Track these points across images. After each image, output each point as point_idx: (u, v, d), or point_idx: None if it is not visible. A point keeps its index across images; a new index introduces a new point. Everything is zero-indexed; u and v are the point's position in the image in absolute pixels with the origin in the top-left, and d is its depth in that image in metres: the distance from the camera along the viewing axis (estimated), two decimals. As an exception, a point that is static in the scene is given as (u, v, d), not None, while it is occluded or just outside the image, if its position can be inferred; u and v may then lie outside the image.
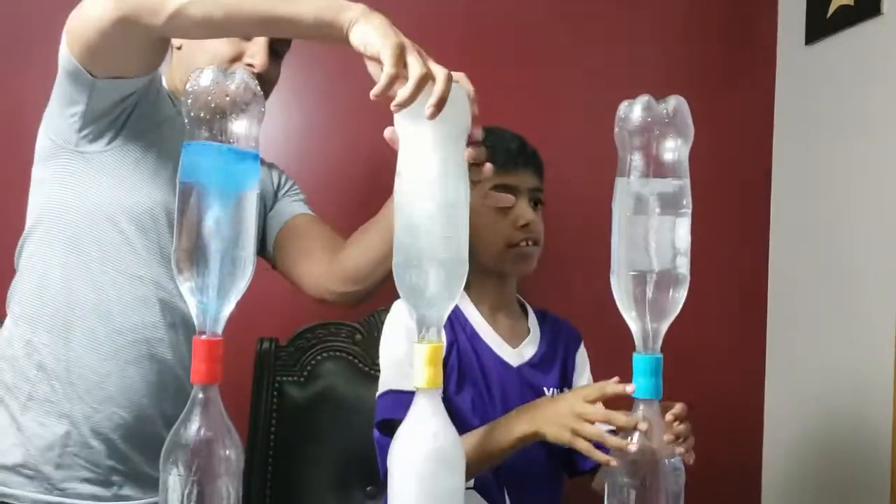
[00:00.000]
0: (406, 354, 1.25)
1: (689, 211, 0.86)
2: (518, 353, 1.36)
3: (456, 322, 1.34)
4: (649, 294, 0.85)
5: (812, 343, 2.14)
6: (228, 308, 0.82)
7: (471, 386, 1.31)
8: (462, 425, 1.19)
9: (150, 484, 1.25)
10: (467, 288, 1.32)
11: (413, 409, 0.87)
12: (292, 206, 1.52)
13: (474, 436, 1.20)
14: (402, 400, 1.14)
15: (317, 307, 1.53)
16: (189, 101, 0.81)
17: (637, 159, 0.85)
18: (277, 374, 1.60)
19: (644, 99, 0.85)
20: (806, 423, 2.16)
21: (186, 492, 0.78)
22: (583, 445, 1.09)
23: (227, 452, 0.80)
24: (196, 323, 0.81)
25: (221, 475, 0.80)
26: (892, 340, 1.83)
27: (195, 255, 0.80)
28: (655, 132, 0.84)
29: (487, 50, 2.11)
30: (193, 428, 0.79)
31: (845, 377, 2.02)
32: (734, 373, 2.29)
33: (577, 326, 1.49)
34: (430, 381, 0.86)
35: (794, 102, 2.24)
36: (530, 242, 1.32)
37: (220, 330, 0.82)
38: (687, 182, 0.86)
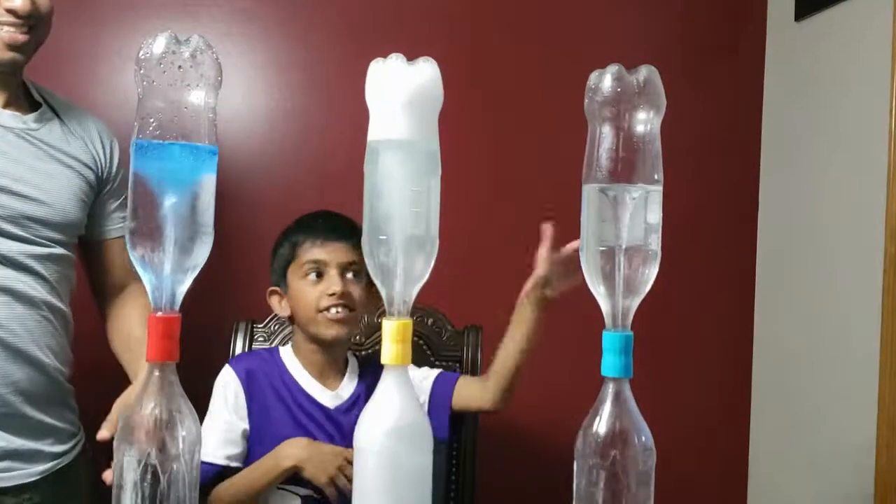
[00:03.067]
0: (221, 423, 1.43)
1: (661, 185, 0.83)
2: (336, 395, 1.49)
3: (277, 373, 1.49)
4: (619, 270, 0.82)
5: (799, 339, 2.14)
6: (185, 284, 0.80)
7: (279, 424, 1.44)
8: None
9: None
10: (297, 355, 1.50)
11: (380, 386, 0.84)
12: (114, 220, 1.55)
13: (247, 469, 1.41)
14: (206, 470, 1.37)
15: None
16: (141, 70, 0.78)
17: (607, 131, 0.82)
18: (254, 354, 1.58)
19: (614, 68, 0.82)
20: (792, 428, 2.16)
21: (141, 473, 0.76)
22: (330, 492, 1.35)
23: (185, 433, 0.78)
24: (151, 300, 0.79)
25: (178, 456, 0.78)
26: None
27: (148, 231, 0.77)
28: (626, 103, 0.81)
29: (477, 19, 2.08)
30: (148, 408, 0.77)
31: (830, 367, 2.02)
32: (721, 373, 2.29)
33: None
34: (397, 358, 0.84)
35: (783, 78, 2.22)
36: (339, 308, 1.44)
37: (176, 307, 0.80)
38: (658, 154, 0.83)
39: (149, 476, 0.76)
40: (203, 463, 1.34)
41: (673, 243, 2.20)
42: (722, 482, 2.31)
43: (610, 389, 0.83)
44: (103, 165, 1.50)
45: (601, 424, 0.83)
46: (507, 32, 2.16)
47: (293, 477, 1.41)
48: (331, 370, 1.49)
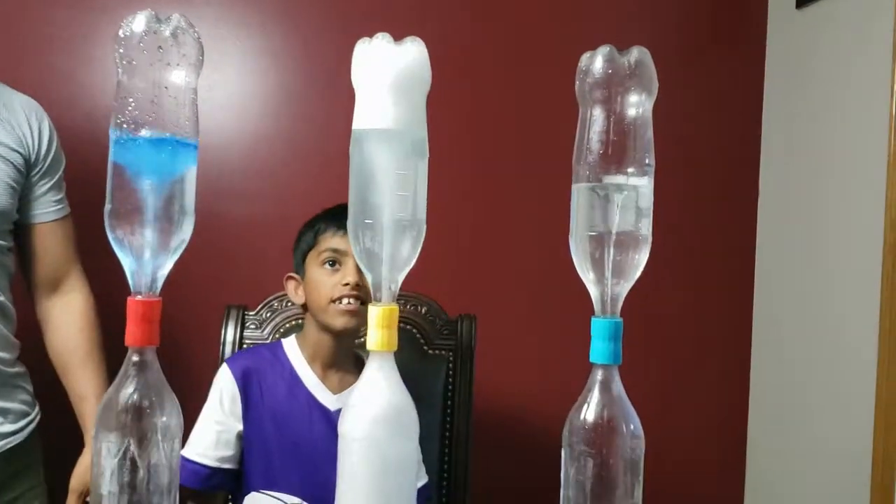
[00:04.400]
0: (214, 423, 1.40)
1: (653, 169, 0.82)
2: (339, 398, 1.44)
3: (278, 371, 1.45)
4: (608, 256, 0.81)
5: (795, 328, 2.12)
6: (166, 268, 0.78)
7: (276, 426, 1.41)
8: (258, 461, 1.40)
9: None
10: (303, 346, 1.46)
11: (366, 373, 0.83)
12: (44, 203, 1.47)
13: None
14: (197, 471, 1.38)
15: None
16: (121, 49, 0.76)
17: (598, 114, 0.81)
18: (245, 341, 1.57)
19: (605, 49, 0.80)
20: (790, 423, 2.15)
21: (119, 460, 0.75)
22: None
23: (165, 419, 0.77)
24: (131, 283, 0.77)
25: (158, 443, 0.76)
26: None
27: (126, 213, 0.75)
28: (617, 85, 0.80)
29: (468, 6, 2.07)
30: (127, 393, 0.75)
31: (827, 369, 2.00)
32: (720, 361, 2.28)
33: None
34: (383, 344, 0.83)
35: (784, 65, 2.20)
36: (352, 300, 1.40)
37: (157, 290, 0.78)
38: (650, 139, 0.82)
39: (128, 463, 0.75)
40: (195, 463, 1.36)
41: (671, 231, 2.22)
42: (720, 477, 2.30)
43: (598, 376, 0.82)
44: (31, 147, 1.43)
45: (589, 412, 0.81)
46: (504, 18, 2.14)
47: (282, 483, 1.39)
48: (337, 363, 1.46)
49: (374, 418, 0.80)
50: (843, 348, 1.95)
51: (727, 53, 2.26)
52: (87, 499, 1.40)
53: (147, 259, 0.77)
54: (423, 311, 1.66)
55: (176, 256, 0.79)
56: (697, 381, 2.28)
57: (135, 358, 0.77)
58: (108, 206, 0.76)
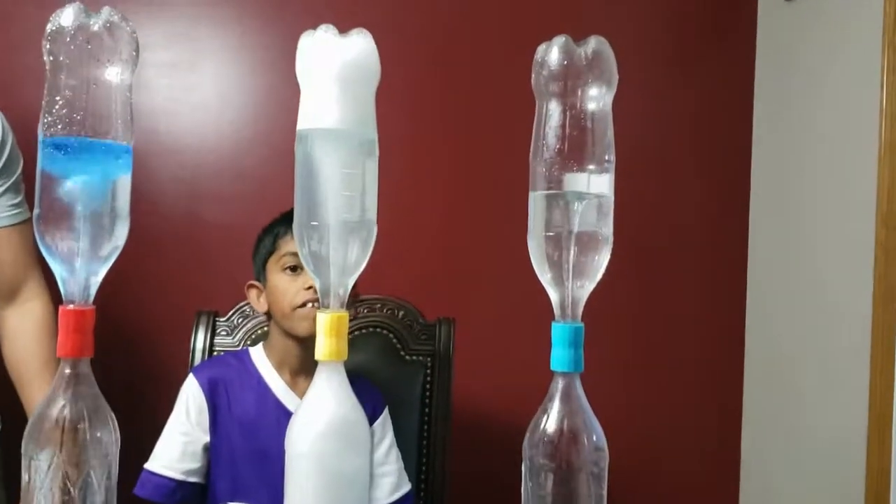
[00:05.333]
0: (180, 435, 1.36)
1: (612, 165, 0.78)
2: None
3: (246, 380, 1.40)
4: (567, 257, 0.76)
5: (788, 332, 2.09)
6: (99, 275, 0.74)
7: (244, 436, 1.37)
8: (225, 472, 1.36)
9: None
10: (270, 353, 1.41)
11: (315, 383, 0.79)
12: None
13: None
14: (163, 484, 1.33)
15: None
16: (48, 44, 0.72)
17: (554, 108, 0.77)
18: (215, 348, 1.53)
19: (561, 40, 0.76)
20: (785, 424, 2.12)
21: (49, 479, 0.70)
22: None
23: (99, 434, 0.73)
24: (63, 291, 0.73)
25: (91, 459, 0.72)
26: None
27: (54, 218, 0.71)
28: (573, 77, 0.76)
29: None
30: (57, 407, 0.71)
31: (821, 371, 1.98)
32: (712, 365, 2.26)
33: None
34: (333, 353, 0.78)
35: (774, 58, 2.18)
36: (316, 304, 1.36)
37: (90, 299, 0.74)
38: (610, 134, 0.78)
39: (59, 481, 0.71)
40: (159, 476, 1.32)
41: (661, 227, 2.19)
42: (714, 479, 2.27)
43: (559, 385, 0.78)
44: None
45: (549, 423, 0.77)
46: (485, 10, 2.11)
47: (250, 494, 1.35)
48: (305, 369, 1.41)
49: (321, 433, 0.76)
50: (836, 341, 1.92)
51: (718, 46, 2.23)
52: None
53: (79, 266, 0.73)
54: (401, 315, 1.62)
55: (109, 264, 0.75)
56: (690, 379, 2.25)
57: (66, 370, 0.73)
58: (36, 211, 0.73)
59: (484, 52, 2.13)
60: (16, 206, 1.42)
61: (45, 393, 1.38)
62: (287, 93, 2.00)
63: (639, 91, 2.10)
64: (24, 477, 0.71)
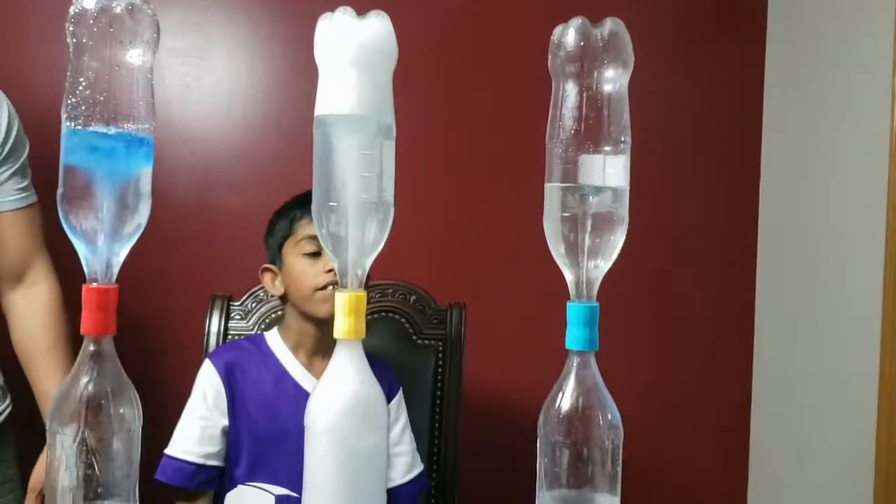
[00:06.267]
0: (198, 419, 1.37)
1: (628, 147, 0.78)
2: None
3: (263, 363, 1.41)
4: (583, 238, 0.77)
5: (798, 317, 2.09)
6: (122, 254, 0.75)
7: (263, 418, 1.38)
8: (244, 454, 1.38)
9: None
10: (285, 336, 1.42)
11: (334, 361, 0.80)
12: (5, 192, 1.40)
13: None
14: (183, 468, 1.35)
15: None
16: (72, 26, 0.73)
17: (571, 89, 0.77)
18: (229, 332, 1.54)
19: (578, 21, 0.77)
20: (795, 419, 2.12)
21: (74, 453, 0.72)
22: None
23: (122, 411, 0.74)
24: (86, 270, 0.75)
25: (114, 435, 0.73)
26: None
27: (78, 197, 0.73)
28: (590, 59, 0.76)
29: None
30: (82, 384, 0.73)
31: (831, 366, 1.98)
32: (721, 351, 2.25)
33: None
34: (351, 332, 0.79)
35: (785, 44, 2.18)
36: (335, 286, 1.36)
37: (113, 277, 0.75)
38: (626, 115, 0.78)
39: (84, 456, 0.72)
40: (179, 460, 1.33)
41: (671, 213, 2.19)
42: (722, 472, 2.28)
43: (574, 363, 0.79)
44: None
45: (564, 400, 0.78)
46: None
47: (269, 475, 1.37)
48: (322, 350, 1.42)
49: (339, 410, 0.77)
50: (846, 335, 1.91)
51: (727, 34, 2.22)
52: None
53: (101, 245, 0.74)
54: (412, 300, 1.63)
55: (132, 242, 0.76)
56: (700, 370, 2.25)
57: (91, 348, 0.74)
58: (60, 190, 0.74)
59: (498, 35, 2.12)
60: (22, 189, 1.42)
61: (51, 375, 1.41)
62: (298, 79, 2.02)
63: (647, 78, 2.09)
64: (50, 452, 0.73)
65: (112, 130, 0.73)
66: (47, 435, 0.73)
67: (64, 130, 0.73)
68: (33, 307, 1.44)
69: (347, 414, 0.78)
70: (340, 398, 0.78)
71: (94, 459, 0.73)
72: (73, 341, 1.44)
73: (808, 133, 2.08)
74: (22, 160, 1.43)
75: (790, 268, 2.14)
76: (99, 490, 0.73)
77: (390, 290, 1.63)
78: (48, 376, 1.41)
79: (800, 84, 2.11)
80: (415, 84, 2.02)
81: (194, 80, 2.00)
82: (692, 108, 2.21)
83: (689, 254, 2.24)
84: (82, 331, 0.74)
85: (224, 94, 2.03)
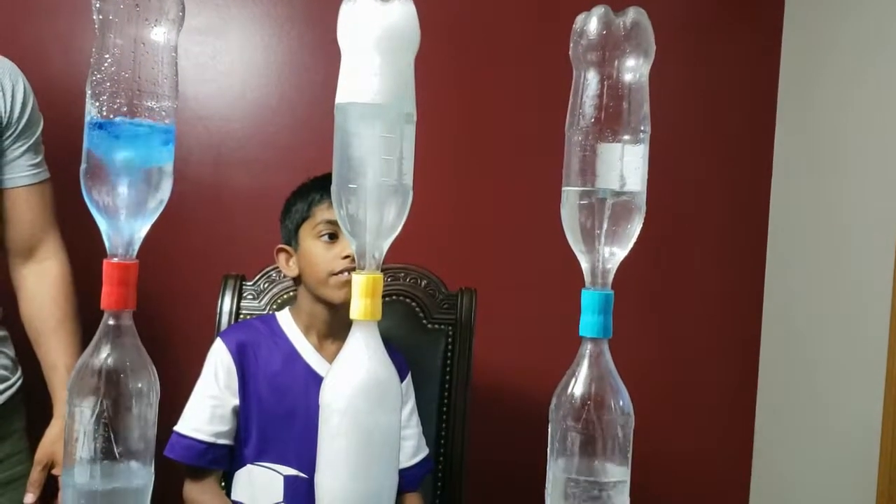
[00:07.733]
0: (209, 398, 1.38)
1: (647, 137, 0.79)
2: None
3: (274, 344, 1.42)
4: (600, 226, 0.78)
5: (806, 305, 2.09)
6: (143, 230, 0.76)
7: (273, 399, 1.39)
8: (254, 434, 1.39)
9: None
10: (297, 317, 1.42)
11: (349, 341, 0.81)
12: (18, 168, 1.41)
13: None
14: (192, 446, 1.36)
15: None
16: (98, 3, 0.73)
17: (591, 78, 0.78)
18: (241, 311, 1.55)
19: (601, 10, 0.77)
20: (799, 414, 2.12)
21: (93, 426, 0.73)
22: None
23: (140, 385, 0.75)
24: (107, 245, 0.75)
25: (132, 409, 0.74)
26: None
27: (101, 174, 0.73)
28: (612, 48, 0.77)
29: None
30: (101, 357, 0.74)
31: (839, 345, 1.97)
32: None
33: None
34: (367, 313, 0.80)
35: (801, 33, 2.17)
36: (351, 272, 1.36)
37: (134, 253, 0.76)
38: (646, 105, 0.79)
39: (101, 429, 0.73)
40: (189, 438, 1.35)
41: (682, 204, 2.19)
42: (726, 467, 2.28)
43: (587, 350, 0.80)
44: (3, 110, 1.38)
45: (576, 386, 0.79)
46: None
47: (278, 455, 1.38)
48: (333, 333, 1.43)
49: (355, 390, 0.78)
50: (853, 329, 1.92)
51: (743, 22, 2.22)
52: (53, 471, 1.37)
53: (123, 221, 0.75)
54: (423, 284, 1.64)
55: (154, 217, 0.77)
56: (706, 364, 2.25)
57: (111, 322, 0.75)
58: (83, 166, 0.74)
59: (516, 21, 2.12)
60: (35, 165, 1.43)
61: (60, 350, 1.42)
62: (315, 61, 2.02)
63: (661, 68, 2.09)
64: (68, 424, 0.74)
65: (137, 108, 0.74)
66: (67, 407, 0.74)
67: (88, 106, 0.74)
68: (43, 283, 1.45)
69: (362, 394, 0.79)
70: (356, 378, 0.79)
71: (111, 433, 0.74)
72: (81, 317, 1.46)
73: (821, 126, 2.07)
74: (36, 136, 1.44)
75: (799, 262, 2.14)
76: (115, 463, 0.74)
77: (402, 274, 1.64)
78: (57, 350, 1.42)
79: (815, 77, 2.10)
80: (429, 69, 2.02)
81: (210, 59, 2.01)
82: (706, 98, 2.21)
83: (699, 246, 2.24)
84: (102, 305, 0.75)
85: (239, 73, 2.03)
